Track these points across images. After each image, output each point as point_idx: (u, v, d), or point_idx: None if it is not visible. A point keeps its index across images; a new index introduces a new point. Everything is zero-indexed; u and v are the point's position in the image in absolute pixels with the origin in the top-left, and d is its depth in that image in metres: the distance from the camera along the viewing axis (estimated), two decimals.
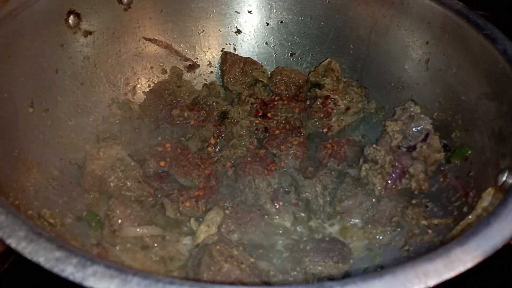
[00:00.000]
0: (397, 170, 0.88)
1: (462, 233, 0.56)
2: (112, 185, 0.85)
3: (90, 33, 0.97)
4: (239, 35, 1.17)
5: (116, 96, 1.04)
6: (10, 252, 0.85)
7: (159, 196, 0.87)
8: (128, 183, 0.85)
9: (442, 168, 0.89)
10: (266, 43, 1.18)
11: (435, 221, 0.81)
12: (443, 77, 0.94)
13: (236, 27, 1.17)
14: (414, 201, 0.86)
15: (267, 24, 1.16)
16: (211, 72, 1.17)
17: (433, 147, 0.89)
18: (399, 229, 0.83)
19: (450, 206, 0.81)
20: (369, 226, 0.85)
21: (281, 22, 1.15)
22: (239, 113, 1.06)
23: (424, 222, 0.82)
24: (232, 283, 0.67)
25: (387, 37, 1.04)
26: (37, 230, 0.50)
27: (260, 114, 1.06)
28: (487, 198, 0.70)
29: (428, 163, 0.89)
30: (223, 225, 0.82)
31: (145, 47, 1.09)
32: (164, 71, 1.12)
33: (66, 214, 0.79)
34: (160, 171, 0.91)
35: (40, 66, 0.86)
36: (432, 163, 0.89)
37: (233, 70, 1.12)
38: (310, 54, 1.16)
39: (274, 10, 1.15)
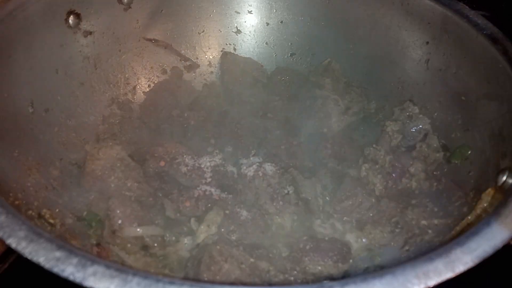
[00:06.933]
0: (398, 170, 0.88)
1: (462, 233, 0.56)
2: (112, 185, 0.85)
3: (90, 33, 0.97)
4: (239, 35, 1.17)
5: (116, 96, 1.04)
6: (10, 252, 0.85)
7: (159, 196, 0.87)
8: (128, 183, 0.85)
9: (435, 172, 0.88)
10: (266, 43, 1.18)
11: (435, 221, 0.80)
12: (443, 77, 0.94)
13: (236, 27, 1.17)
14: (414, 201, 0.86)
15: (267, 24, 1.16)
16: (211, 72, 1.17)
17: (432, 147, 0.89)
18: (399, 229, 0.83)
19: (450, 206, 0.81)
20: (369, 226, 0.85)
21: (281, 22, 1.15)
22: (239, 113, 1.06)
23: (424, 222, 0.82)
24: (232, 283, 0.67)
25: (387, 37, 1.04)
26: (37, 230, 0.50)
27: (260, 114, 1.06)
28: (487, 198, 0.70)
29: (428, 163, 0.89)
30: (223, 225, 0.82)
31: (145, 47, 1.09)
32: (164, 71, 1.12)
33: (66, 214, 0.79)
34: (160, 171, 0.91)
35: (40, 66, 0.86)
36: (432, 163, 0.89)
37: (233, 70, 1.12)
38: (310, 54, 1.16)
39: (274, 10, 1.15)
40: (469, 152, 0.84)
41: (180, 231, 0.83)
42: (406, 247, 0.80)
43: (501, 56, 0.79)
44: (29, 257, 0.48)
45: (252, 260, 0.73)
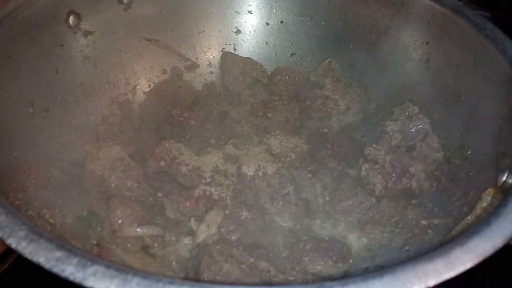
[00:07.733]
0: (398, 170, 0.88)
1: (462, 233, 0.56)
2: (112, 185, 0.85)
3: (90, 33, 0.97)
4: (239, 35, 1.17)
5: (116, 96, 1.04)
6: (10, 252, 0.85)
7: (159, 196, 0.87)
8: (128, 183, 0.85)
9: (435, 172, 0.88)
10: (266, 43, 1.18)
11: (435, 221, 0.80)
12: (443, 77, 0.94)
13: (236, 27, 1.17)
14: (414, 201, 0.86)
15: (267, 24, 1.16)
16: (211, 72, 1.17)
17: (432, 147, 0.89)
18: (399, 229, 0.83)
19: (450, 206, 0.81)
20: (369, 226, 0.85)
21: (281, 22, 1.15)
22: (239, 113, 1.06)
23: (424, 222, 0.82)
24: (232, 283, 0.67)
25: (387, 37, 1.04)
26: (37, 230, 0.50)
27: (260, 114, 1.06)
28: (487, 198, 0.70)
29: (428, 163, 0.89)
30: (223, 225, 0.82)
31: (145, 47, 1.09)
32: (164, 71, 1.12)
33: (66, 214, 0.79)
34: (160, 171, 0.91)
35: (40, 66, 0.86)
36: (432, 163, 0.89)
37: (233, 70, 1.12)
38: (310, 54, 1.16)
39: (274, 10, 1.15)
40: (469, 152, 0.84)
41: (180, 231, 0.84)
42: (406, 247, 0.80)
43: (501, 56, 0.79)
44: (29, 257, 0.48)
45: (252, 260, 0.73)
